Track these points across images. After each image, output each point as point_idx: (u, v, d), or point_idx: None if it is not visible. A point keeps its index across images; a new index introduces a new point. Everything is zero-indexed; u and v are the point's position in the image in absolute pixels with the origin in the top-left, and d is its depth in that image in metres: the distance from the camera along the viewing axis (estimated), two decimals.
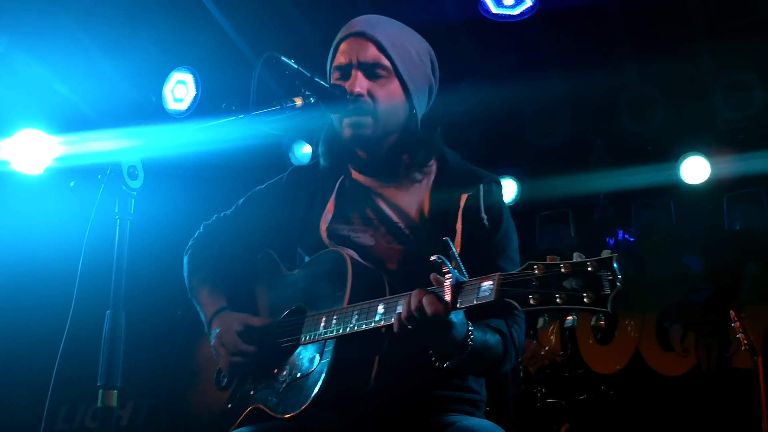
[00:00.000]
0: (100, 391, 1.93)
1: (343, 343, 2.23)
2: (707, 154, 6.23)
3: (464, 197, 2.40)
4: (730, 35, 5.48)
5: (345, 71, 2.44)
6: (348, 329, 2.20)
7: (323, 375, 2.20)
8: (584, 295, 1.75)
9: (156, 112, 5.81)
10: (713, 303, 6.87)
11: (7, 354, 5.72)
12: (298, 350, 2.35)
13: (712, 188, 6.39)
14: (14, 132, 5.42)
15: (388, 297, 2.18)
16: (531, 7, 4.95)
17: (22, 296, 5.87)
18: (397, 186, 2.51)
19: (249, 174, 5.95)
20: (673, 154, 6.34)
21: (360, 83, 2.40)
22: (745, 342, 4.91)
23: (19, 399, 5.79)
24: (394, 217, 2.47)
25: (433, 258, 1.97)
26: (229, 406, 2.50)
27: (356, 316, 2.19)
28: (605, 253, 1.77)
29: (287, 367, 2.35)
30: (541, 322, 7.28)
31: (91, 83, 5.72)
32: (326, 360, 2.22)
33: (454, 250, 1.99)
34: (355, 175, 2.59)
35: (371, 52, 2.42)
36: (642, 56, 5.85)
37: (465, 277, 1.98)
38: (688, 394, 6.72)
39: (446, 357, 2.11)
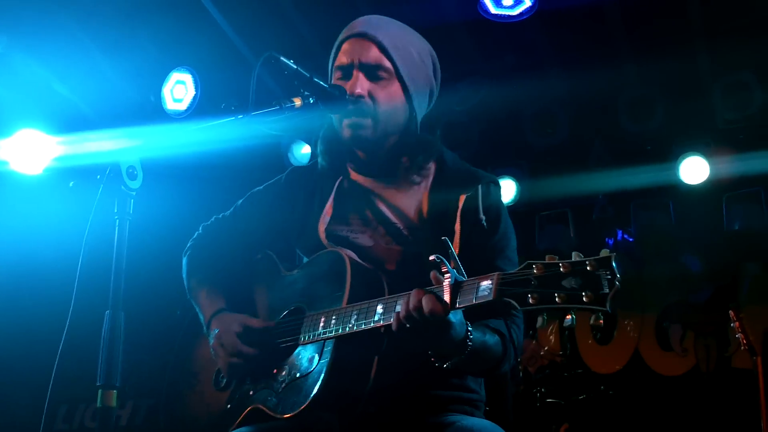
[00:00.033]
0: (100, 391, 1.93)
1: (342, 343, 2.23)
2: (706, 154, 6.24)
3: (463, 198, 2.40)
4: (730, 35, 5.48)
5: (346, 71, 2.45)
6: (347, 329, 2.20)
7: (322, 375, 2.20)
8: (583, 294, 1.75)
9: (155, 113, 5.80)
10: (712, 303, 6.88)
11: (7, 354, 5.72)
12: (297, 350, 2.35)
13: (712, 188, 6.39)
14: (13, 132, 5.42)
15: (387, 297, 2.18)
16: (530, 7, 4.95)
17: (21, 296, 5.87)
18: (396, 187, 2.51)
19: (248, 174, 5.95)
20: (672, 154, 6.34)
21: (361, 84, 2.41)
22: (745, 342, 4.91)
23: (18, 399, 5.79)
24: (393, 218, 2.47)
25: (432, 258, 1.97)
26: (228, 406, 2.50)
27: (355, 316, 2.20)
28: (604, 253, 1.78)
29: (286, 367, 2.35)
30: (540, 321, 7.28)
31: (91, 83, 5.72)
32: (325, 360, 2.22)
33: (452, 249, 1.99)
34: (353, 175, 2.59)
35: (373, 54, 2.42)
36: (641, 56, 5.85)
37: (464, 276, 1.99)
38: (688, 394, 6.72)
39: (445, 357, 2.11)
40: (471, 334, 2.09)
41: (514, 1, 4.98)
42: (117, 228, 2.04)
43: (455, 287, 1.97)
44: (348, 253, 2.35)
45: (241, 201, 2.77)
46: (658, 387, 6.91)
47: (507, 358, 2.28)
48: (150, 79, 5.82)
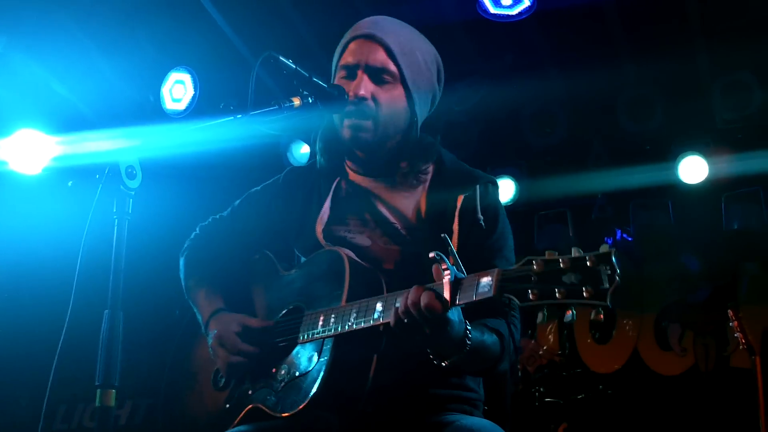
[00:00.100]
0: (99, 391, 1.93)
1: (341, 341, 2.23)
2: (705, 153, 6.24)
3: (461, 198, 2.41)
4: (728, 35, 5.49)
5: (351, 71, 2.45)
6: (346, 327, 2.20)
7: (322, 374, 2.20)
8: (583, 289, 1.76)
9: (154, 112, 5.80)
10: (711, 302, 6.88)
11: (6, 354, 5.72)
12: (296, 349, 2.35)
13: (711, 188, 6.40)
14: (12, 132, 5.41)
15: (386, 294, 2.19)
16: (529, 7, 4.95)
17: (20, 296, 5.87)
18: (394, 187, 2.52)
19: (247, 174, 5.95)
20: (671, 154, 6.34)
21: (365, 86, 2.41)
22: (743, 341, 4.92)
23: (17, 399, 5.79)
24: (391, 218, 2.47)
25: (431, 254, 1.97)
26: (227, 405, 2.50)
27: (354, 315, 2.20)
28: (604, 248, 1.78)
29: (285, 366, 2.35)
30: (540, 317, 7.29)
31: (90, 83, 5.72)
32: (324, 359, 2.23)
33: (452, 247, 1.99)
34: (352, 176, 2.59)
35: (380, 57, 2.43)
36: (640, 56, 5.85)
37: (463, 273, 1.99)
38: (686, 394, 6.73)
39: (444, 356, 2.11)
40: (470, 333, 2.09)
41: (513, 1, 4.98)
42: (116, 228, 2.04)
43: (455, 284, 1.97)
44: (346, 252, 2.35)
45: (238, 201, 2.77)
46: (657, 386, 6.91)
47: (504, 357, 2.29)
48: (149, 79, 5.82)
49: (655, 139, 6.33)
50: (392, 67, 2.43)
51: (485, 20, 5.08)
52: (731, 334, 5.14)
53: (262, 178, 2.79)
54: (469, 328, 2.09)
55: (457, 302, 1.97)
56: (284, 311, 2.49)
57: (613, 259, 1.75)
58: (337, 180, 2.59)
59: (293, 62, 2.29)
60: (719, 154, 6.24)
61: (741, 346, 4.94)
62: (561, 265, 1.80)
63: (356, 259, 2.36)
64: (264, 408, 2.34)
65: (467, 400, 2.43)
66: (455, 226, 2.37)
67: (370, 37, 2.45)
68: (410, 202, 2.49)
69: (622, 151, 6.49)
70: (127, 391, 6.31)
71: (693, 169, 6.27)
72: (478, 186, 2.44)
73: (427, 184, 2.51)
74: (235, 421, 2.42)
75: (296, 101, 2.31)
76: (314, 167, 2.67)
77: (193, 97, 5.69)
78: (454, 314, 2.02)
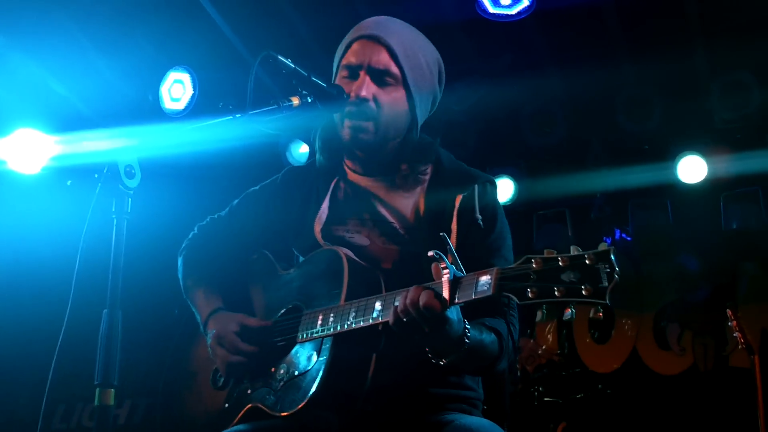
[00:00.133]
0: (97, 390, 1.93)
1: (340, 341, 2.23)
2: (704, 153, 6.25)
3: (459, 198, 2.41)
4: (727, 35, 5.49)
5: (353, 71, 2.45)
6: (345, 326, 2.20)
7: (321, 373, 2.20)
8: (582, 287, 1.76)
9: (153, 112, 5.80)
10: (710, 302, 6.88)
11: (4, 353, 5.71)
12: (295, 349, 2.35)
13: (709, 187, 6.40)
14: (11, 131, 5.41)
15: (385, 294, 2.19)
16: (528, 6, 4.95)
17: (19, 295, 5.86)
18: (393, 187, 2.52)
19: (246, 173, 5.94)
20: (669, 154, 6.35)
21: (367, 87, 2.41)
22: (742, 341, 4.93)
23: (16, 398, 5.78)
24: (390, 218, 2.47)
25: (430, 253, 1.98)
26: (226, 405, 2.50)
27: (353, 313, 2.20)
28: (602, 246, 1.78)
29: (284, 365, 2.35)
30: (539, 315, 7.29)
31: (88, 82, 5.72)
32: (324, 358, 2.23)
33: (451, 245, 1.99)
34: (351, 175, 2.59)
35: (383, 59, 2.43)
36: (639, 56, 5.86)
37: (462, 272, 1.99)
38: (685, 393, 6.73)
39: (442, 354, 2.11)
40: (468, 332, 2.09)
41: (512, 1, 4.98)
42: (115, 227, 2.04)
43: (454, 283, 1.97)
44: (345, 252, 2.35)
45: (236, 201, 2.77)
46: (656, 386, 6.91)
47: (502, 356, 2.29)
48: (148, 79, 5.82)
49: (654, 139, 6.34)
50: (395, 69, 2.43)
51: (484, 20, 5.08)
52: (730, 334, 5.15)
53: (261, 177, 2.79)
54: (467, 327, 2.09)
55: (456, 301, 1.97)
56: (283, 311, 2.49)
57: (612, 257, 1.75)
58: (335, 179, 2.59)
59: (292, 62, 2.29)
60: (718, 154, 6.24)
61: (740, 346, 4.95)
62: (560, 263, 1.80)
63: (355, 258, 2.36)
64: (263, 407, 2.34)
65: (466, 399, 2.43)
66: (454, 226, 2.37)
67: (374, 38, 2.44)
68: (409, 201, 2.49)
69: (621, 151, 6.49)
70: (126, 391, 6.31)
71: (692, 169, 6.27)
72: (476, 185, 2.44)
73: (426, 184, 2.51)
74: (234, 421, 2.42)
75: (295, 101, 2.31)
76: (313, 167, 2.67)
77: (192, 97, 5.69)
78: (453, 313, 2.02)
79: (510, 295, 1.86)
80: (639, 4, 5.42)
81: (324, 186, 2.59)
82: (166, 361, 2.81)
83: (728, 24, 5.47)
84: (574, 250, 1.81)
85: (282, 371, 2.34)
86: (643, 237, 7.08)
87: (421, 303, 1.98)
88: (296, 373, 2.29)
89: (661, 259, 7.19)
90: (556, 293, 1.78)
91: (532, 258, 1.84)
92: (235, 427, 2.38)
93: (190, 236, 2.80)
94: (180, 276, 2.77)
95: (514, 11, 4.99)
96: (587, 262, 1.77)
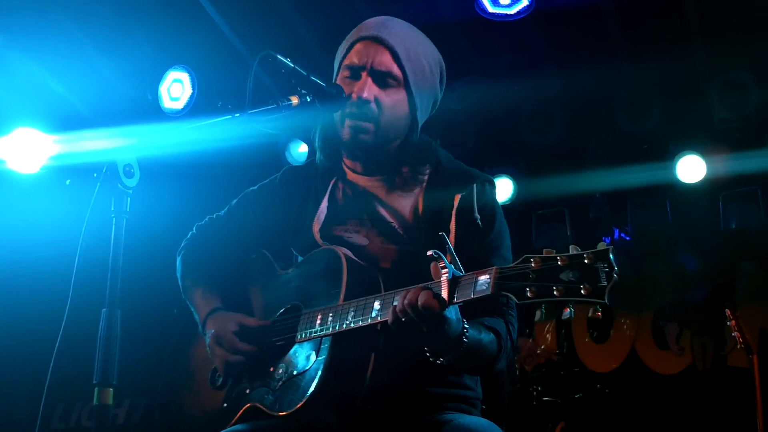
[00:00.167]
0: (96, 389, 1.93)
1: (339, 340, 2.23)
2: (703, 153, 6.25)
3: (458, 197, 2.41)
4: (726, 34, 5.49)
5: (355, 72, 2.45)
6: (344, 326, 2.20)
7: (319, 372, 2.20)
8: (581, 287, 1.76)
9: (152, 111, 5.80)
10: (709, 302, 6.89)
11: (3, 352, 5.71)
12: (293, 348, 2.35)
13: (708, 187, 6.40)
14: (10, 131, 5.41)
15: (383, 293, 2.19)
16: (527, 6, 4.95)
17: (18, 295, 5.86)
18: (392, 187, 2.52)
19: (245, 173, 5.94)
20: (668, 153, 6.35)
21: (369, 89, 2.41)
22: (741, 340, 4.93)
23: (15, 397, 5.78)
24: (388, 217, 2.47)
25: (429, 253, 1.98)
26: (225, 405, 2.50)
27: (352, 313, 2.20)
28: (601, 246, 1.78)
29: (283, 365, 2.35)
30: (538, 315, 7.30)
31: (87, 82, 5.71)
32: (322, 357, 2.23)
33: (449, 245, 1.99)
34: (350, 175, 2.59)
35: (386, 61, 2.43)
36: (637, 55, 5.86)
37: (461, 271, 1.99)
38: (684, 393, 6.74)
39: (441, 353, 2.11)
40: (467, 331, 2.09)
41: (511, 0, 4.98)
42: (114, 226, 2.04)
43: (453, 282, 1.97)
44: (344, 251, 2.35)
45: (235, 201, 2.77)
46: (655, 385, 6.92)
47: (501, 356, 2.29)
48: (147, 78, 5.82)
49: (653, 139, 6.34)
50: (397, 72, 2.43)
51: (483, 19, 5.08)
52: (729, 334, 5.16)
53: (261, 177, 2.78)
54: (466, 326, 2.09)
55: (455, 300, 1.97)
56: (282, 310, 2.49)
57: (611, 256, 1.75)
58: (334, 179, 2.59)
59: (291, 61, 2.29)
60: (717, 154, 6.24)
61: (738, 345, 4.95)
62: (559, 262, 1.80)
63: (354, 258, 2.36)
64: (262, 407, 2.34)
65: (465, 398, 2.43)
66: (452, 226, 2.37)
67: (377, 40, 2.44)
68: (408, 201, 2.49)
69: (620, 151, 6.49)
70: (125, 390, 6.31)
71: (691, 169, 6.28)
72: (474, 185, 2.44)
73: (425, 183, 2.51)
74: (233, 420, 2.42)
75: (294, 100, 2.31)
76: (311, 166, 2.67)
77: (191, 96, 5.69)
78: (452, 312, 2.02)
79: (509, 294, 1.86)
80: (638, 4, 5.42)
81: (322, 186, 2.59)
82: (165, 360, 2.81)
83: (727, 24, 5.47)
84: (573, 250, 1.81)
85: (280, 371, 2.34)
86: (642, 236, 7.08)
87: (419, 303, 1.98)
88: (295, 372, 2.29)
89: (660, 259, 7.20)
90: (555, 292, 1.79)
91: (531, 257, 1.84)
92: (234, 427, 2.38)
93: (189, 236, 2.80)
94: (179, 276, 2.76)
95: (513, 11, 4.99)
96: (586, 261, 1.77)
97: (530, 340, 7.06)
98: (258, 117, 2.25)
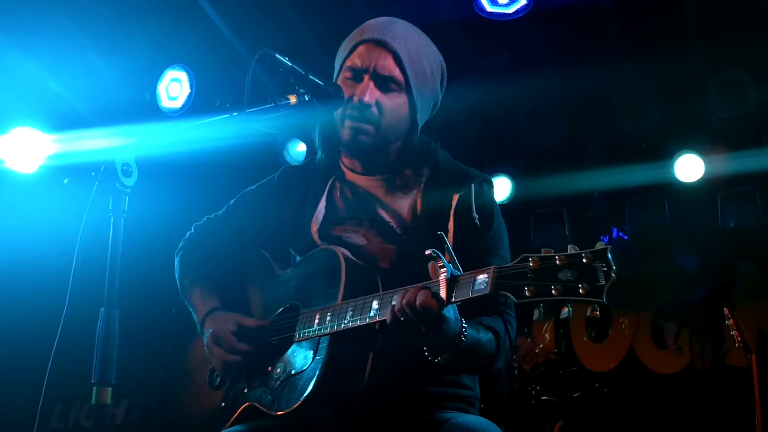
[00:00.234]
0: (95, 388, 1.93)
1: (337, 340, 2.23)
2: (701, 152, 6.25)
3: (456, 197, 2.41)
4: (724, 34, 5.50)
5: (357, 74, 2.44)
6: (342, 325, 2.20)
7: (318, 372, 2.20)
8: (579, 286, 1.76)
9: (150, 110, 5.80)
10: (707, 301, 6.89)
11: (2, 352, 5.71)
12: (292, 348, 2.35)
13: (707, 186, 6.41)
14: (8, 130, 5.41)
15: (382, 293, 2.19)
16: (525, 5, 4.95)
17: (16, 294, 5.86)
18: (392, 188, 2.52)
19: (243, 172, 5.94)
20: (667, 153, 6.35)
21: (371, 92, 2.41)
22: (739, 339, 4.93)
23: (13, 397, 5.78)
24: (387, 217, 2.47)
25: (428, 252, 1.98)
26: (223, 404, 2.50)
27: (350, 313, 2.20)
28: (599, 245, 1.78)
29: (281, 364, 2.35)
30: (536, 314, 7.30)
31: (85, 81, 5.71)
32: (320, 357, 2.23)
33: (448, 244, 1.99)
34: (349, 175, 2.59)
35: (389, 65, 2.42)
36: (636, 55, 5.86)
37: (460, 271, 1.99)
38: (683, 392, 6.74)
39: (439, 353, 2.11)
40: (465, 331, 2.09)
41: (510, 0, 4.99)
42: (112, 225, 2.04)
43: (451, 281, 1.97)
44: (342, 251, 2.35)
45: (233, 201, 2.76)
46: (653, 385, 6.92)
47: (499, 355, 2.29)
48: (145, 77, 5.81)
49: (651, 138, 6.34)
50: (399, 76, 2.43)
51: (482, 19, 5.08)
52: (727, 333, 5.17)
53: (259, 176, 2.78)
54: (464, 325, 2.09)
55: (453, 300, 1.97)
56: (280, 310, 2.49)
57: (609, 255, 1.75)
58: (332, 179, 2.59)
59: (289, 60, 2.29)
60: (715, 153, 6.25)
61: (737, 345, 4.95)
62: (557, 261, 1.80)
63: (352, 257, 2.36)
64: (260, 406, 2.34)
65: (463, 397, 2.43)
66: (450, 225, 2.37)
67: (381, 44, 2.44)
68: (406, 201, 2.49)
69: (619, 150, 6.50)
70: (123, 390, 6.31)
71: (689, 168, 6.28)
72: (473, 185, 2.44)
73: (423, 184, 2.51)
74: (231, 420, 2.42)
75: (293, 99, 2.31)
76: (309, 166, 2.67)
77: (189, 95, 5.68)
78: (450, 312, 2.02)
79: (507, 293, 1.86)
80: (637, 4, 5.42)
81: (321, 185, 2.59)
82: (163, 360, 2.81)
83: (725, 24, 5.47)
84: (571, 249, 1.81)
85: (279, 370, 2.34)
86: (640, 236, 7.08)
87: (418, 302, 1.98)
88: (293, 372, 2.29)
89: (658, 258, 7.20)
90: (553, 292, 1.79)
91: (530, 257, 1.84)
92: (232, 427, 2.38)
93: (187, 236, 2.80)
94: (177, 276, 2.76)
95: (511, 10, 4.99)
96: (584, 260, 1.77)
97: (529, 340, 7.06)
98: (256, 116, 2.25)
